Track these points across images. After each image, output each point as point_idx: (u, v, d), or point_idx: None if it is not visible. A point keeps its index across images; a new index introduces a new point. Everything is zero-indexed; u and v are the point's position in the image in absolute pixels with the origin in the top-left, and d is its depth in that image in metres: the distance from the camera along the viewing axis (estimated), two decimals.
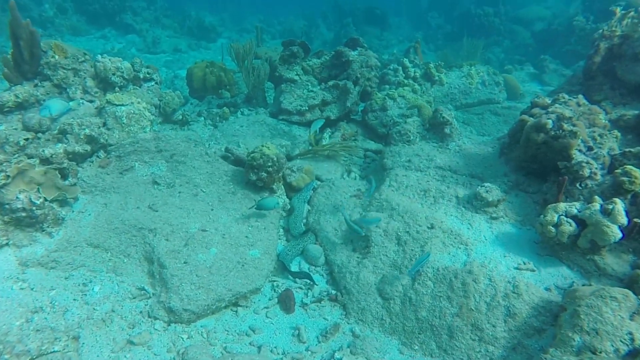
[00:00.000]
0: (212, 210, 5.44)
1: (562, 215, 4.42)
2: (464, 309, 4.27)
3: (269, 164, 5.59)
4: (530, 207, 5.33)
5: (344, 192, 6.50)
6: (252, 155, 5.67)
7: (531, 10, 18.76)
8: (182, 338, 4.16)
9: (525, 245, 4.84)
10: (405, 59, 10.12)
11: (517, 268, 4.48)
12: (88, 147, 5.62)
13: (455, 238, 4.99)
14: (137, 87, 7.64)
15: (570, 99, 5.41)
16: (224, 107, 8.70)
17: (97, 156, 5.83)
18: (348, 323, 4.62)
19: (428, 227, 5.15)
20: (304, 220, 6.08)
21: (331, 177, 7.04)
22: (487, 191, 5.32)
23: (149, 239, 4.86)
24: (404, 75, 9.68)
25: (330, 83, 8.51)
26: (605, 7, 13.81)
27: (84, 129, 5.61)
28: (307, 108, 8.26)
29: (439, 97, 9.45)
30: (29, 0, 15.86)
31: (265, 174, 5.65)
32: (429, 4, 22.58)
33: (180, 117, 8.25)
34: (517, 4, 19.77)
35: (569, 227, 4.30)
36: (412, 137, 7.01)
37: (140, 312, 4.32)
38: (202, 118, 8.69)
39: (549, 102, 5.66)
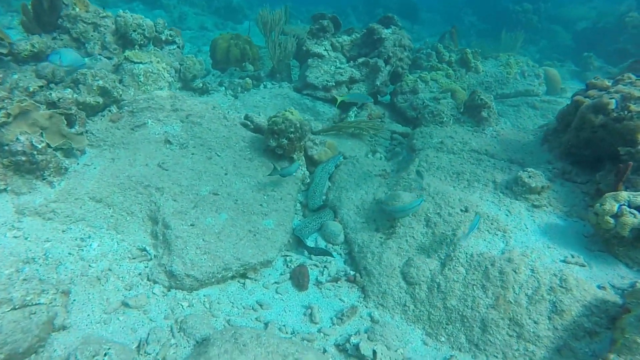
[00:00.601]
0: (225, 174, 4.99)
1: (624, 204, 3.82)
2: (500, 300, 3.72)
3: (291, 129, 5.12)
4: (577, 197, 4.73)
5: (369, 170, 5.98)
6: (273, 119, 5.21)
7: (574, 9, 17.84)
8: (182, 306, 3.72)
9: (572, 238, 4.25)
10: (439, 44, 9.52)
11: (564, 261, 3.90)
12: (100, 100, 5.23)
13: (492, 224, 4.43)
14: (158, 49, 7.26)
15: (638, 79, 4.77)
16: (247, 78, 8.26)
17: (109, 110, 5.43)
18: (366, 307, 4.12)
19: (461, 210, 4.60)
20: (324, 197, 5.59)
21: (355, 154, 6.53)
22: (530, 176, 4.73)
23: (155, 197, 4.44)
24: (437, 60, 9.07)
25: (360, 60, 7.99)
26: None
27: (98, 80, 5.22)
28: (333, 84, 7.75)
29: (473, 85, 8.83)
30: None
31: (287, 141, 5.18)
32: (465, 1, 21.76)
33: (201, 84, 7.84)
34: (558, 3, 18.82)
35: (633, 218, 3.70)
36: (445, 119, 6.44)
37: (139, 274, 3.90)
38: (223, 88, 8.26)
39: (610, 84, 5.03)
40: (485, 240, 4.27)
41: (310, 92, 7.87)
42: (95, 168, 4.62)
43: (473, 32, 18.60)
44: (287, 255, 4.65)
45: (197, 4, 18.14)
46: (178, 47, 7.63)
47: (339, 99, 6.26)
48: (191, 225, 4.20)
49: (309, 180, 5.72)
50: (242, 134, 5.72)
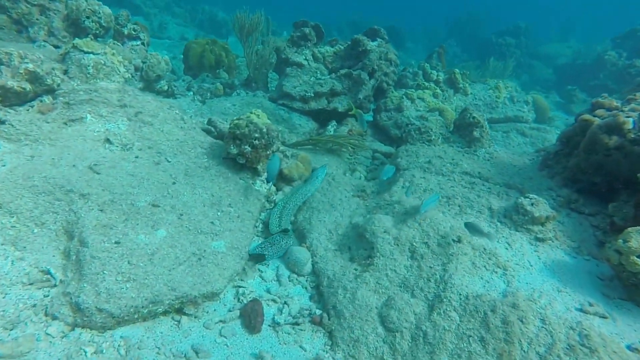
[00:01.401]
0: (173, 184, 4.07)
1: None
2: (505, 359, 2.87)
3: (256, 135, 4.27)
4: (587, 231, 3.99)
5: (345, 189, 5.16)
6: (235, 122, 4.36)
7: (552, 47, 17.94)
8: (86, 353, 2.72)
9: (585, 280, 3.48)
10: (426, 64, 8.96)
11: (580, 310, 3.11)
12: (28, 86, 4.28)
13: (489, 259, 3.63)
14: (119, 44, 6.37)
15: None
16: (217, 84, 7.43)
17: (41, 100, 4.48)
18: (333, 359, 3.20)
19: (453, 240, 3.79)
20: (292, 218, 4.71)
21: (331, 172, 5.70)
22: (532, 204, 3.99)
23: (77, 205, 3.47)
24: (424, 79, 8.48)
25: (343, 72, 7.28)
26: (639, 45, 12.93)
27: (27, 63, 4.29)
28: (312, 95, 6.99)
29: (460, 107, 8.22)
30: None
31: (250, 148, 4.32)
32: (448, 32, 21.82)
33: (166, 87, 6.97)
34: (537, 41, 18.95)
35: None
36: (433, 137, 5.73)
37: (34, 305, 2.88)
38: (191, 93, 7.41)
39: (618, 104, 4.41)
40: (482, 278, 3.45)
41: (286, 102, 7.09)
42: (3, 165, 3.64)
43: (457, 62, 18.44)
44: (239, 287, 3.70)
45: (180, 14, 17.47)
46: (142, 43, 6.77)
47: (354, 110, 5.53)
48: (116, 243, 3.23)
49: (275, 198, 4.84)
50: (200, 139, 4.84)
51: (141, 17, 15.81)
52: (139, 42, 6.68)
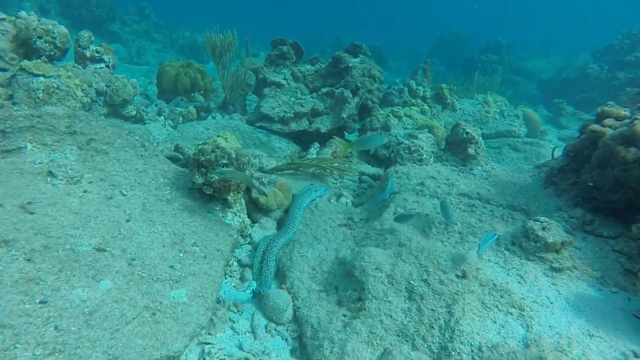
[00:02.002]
0: (127, 221, 3.43)
1: None
2: None
3: (224, 161, 3.67)
4: (608, 257, 3.44)
5: (331, 218, 4.57)
6: (200, 147, 3.77)
7: (534, 63, 17.91)
8: None
9: (619, 320, 2.90)
10: (411, 80, 8.57)
11: None
12: None
13: (501, 296, 3.04)
14: (79, 67, 5.82)
15: None
16: (191, 107, 6.88)
17: None
18: None
19: (457, 276, 3.20)
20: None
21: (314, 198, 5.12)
22: (543, 228, 3.44)
23: None
24: (410, 96, 8.06)
25: (324, 90, 6.81)
26: (619, 58, 12.83)
27: None
28: (292, 115, 6.47)
29: (449, 124, 7.78)
30: None
31: (217, 177, 3.72)
32: (431, 51, 21.80)
33: (134, 112, 6.39)
34: (518, 57, 18.95)
35: None
36: (425, 156, 5.20)
37: None
38: (162, 117, 6.83)
39: (627, 112, 3.95)
40: (496, 322, 2.85)
41: (264, 124, 6.55)
42: None
43: (440, 80, 18.28)
44: (205, 344, 3.04)
45: (160, 40, 17.08)
46: (107, 66, 6.22)
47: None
48: (41, 303, 2.56)
49: (250, 232, 4.22)
50: (163, 168, 4.23)
51: (119, 44, 15.38)
52: (102, 65, 6.13)
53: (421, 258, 3.42)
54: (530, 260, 3.40)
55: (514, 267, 3.36)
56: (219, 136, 3.82)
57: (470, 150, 5.08)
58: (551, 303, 2.99)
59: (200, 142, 3.86)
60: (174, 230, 3.55)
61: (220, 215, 3.96)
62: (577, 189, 3.98)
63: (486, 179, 4.88)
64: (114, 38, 15.38)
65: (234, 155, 3.70)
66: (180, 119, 6.70)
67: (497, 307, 2.97)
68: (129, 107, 6.30)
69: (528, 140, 7.84)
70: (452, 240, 3.81)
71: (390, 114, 7.01)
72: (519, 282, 3.18)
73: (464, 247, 3.69)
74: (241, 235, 4.14)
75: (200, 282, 3.24)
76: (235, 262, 4.01)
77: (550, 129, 10.07)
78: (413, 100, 7.62)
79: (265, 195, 4.38)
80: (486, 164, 5.09)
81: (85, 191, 3.58)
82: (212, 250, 3.58)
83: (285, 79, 7.12)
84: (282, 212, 4.67)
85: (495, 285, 3.10)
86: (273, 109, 6.57)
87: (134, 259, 3.10)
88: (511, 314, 2.91)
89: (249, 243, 4.25)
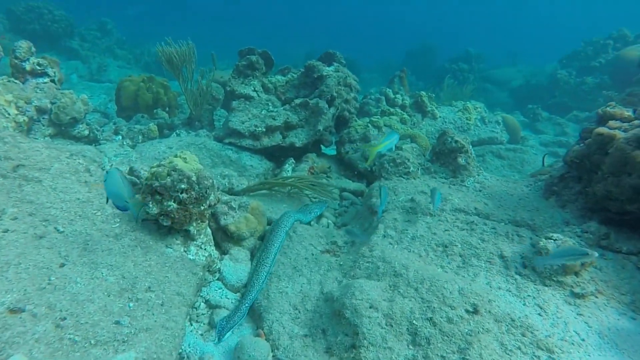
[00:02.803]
0: (62, 266, 2.74)
1: None
2: None
3: (182, 186, 3.04)
4: (635, 277, 2.99)
5: (312, 244, 3.98)
6: (154, 170, 3.13)
7: (502, 72, 18.05)
8: None
9: None
10: (388, 89, 8.16)
11: None
12: None
13: (523, 335, 2.52)
14: (15, 82, 5.06)
15: None
16: (151, 124, 6.19)
17: None
18: None
19: (468, 312, 2.67)
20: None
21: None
22: (558, 247, 2.97)
23: None
24: (388, 105, 7.63)
25: (298, 101, 6.27)
26: (585, 64, 12.95)
27: None
28: (263, 130, 5.89)
29: (431, 133, 7.39)
30: None
31: (175, 205, 3.08)
32: (403, 62, 21.76)
33: (86, 131, 5.66)
34: (487, 66, 19.11)
35: None
36: (412, 168, 4.71)
37: None
38: (119, 137, 6.11)
39: (630, 113, 3.57)
40: None
41: (234, 140, 5.94)
42: None
43: (413, 89, 18.18)
44: None
45: (123, 57, 16.23)
46: (52, 80, 5.48)
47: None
48: None
49: (218, 266, 3.58)
50: None
51: (78, 61, 14.46)
52: (46, 79, 5.39)
53: (422, 291, 2.87)
54: (546, 286, 2.91)
55: (529, 295, 2.86)
56: (176, 156, 3.19)
57: (461, 160, 4.63)
58: (582, 340, 2.50)
59: (154, 165, 3.22)
60: (123, 273, 2.88)
61: (182, 250, 3.30)
62: (584, 199, 3.56)
63: (480, 191, 4.42)
64: (72, 55, 14.46)
65: (194, 179, 3.08)
66: (140, 137, 6.00)
67: (519, 349, 2.44)
68: (80, 126, 5.56)
69: (511, 147, 7.53)
70: (453, 265, 3.29)
71: (368, 124, 6.54)
72: (540, 315, 2.68)
73: (467, 272, 3.17)
74: (208, 271, 3.49)
75: (155, 338, 2.57)
76: (202, 304, 3.37)
77: (529, 134, 9.88)
78: (392, 110, 7.19)
79: None
80: (478, 175, 4.65)
81: (5, 230, 2.86)
82: (171, 294, 2.92)
83: (255, 90, 6.55)
84: (255, 240, 4.05)
85: (513, 320, 2.58)
86: (243, 123, 5.98)
87: (65, 318, 2.41)
88: (538, 357, 2.38)
89: (218, 279, 3.61)
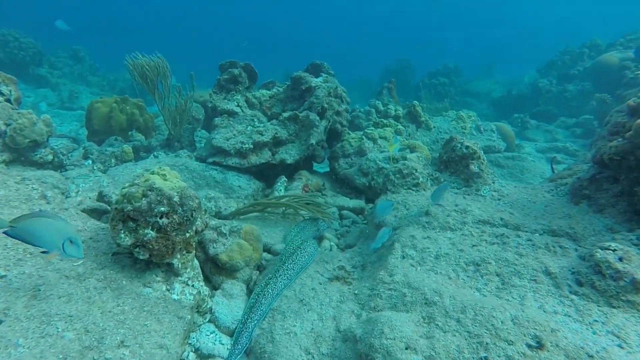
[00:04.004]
0: None
1: None
2: None
3: (162, 208, 2.43)
4: None
5: (317, 272, 3.39)
6: (126, 191, 2.50)
7: (480, 84, 18.13)
8: None
9: None
10: (377, 102, 7.77)
11: None
12: None
13: None
14: None
15: None
16: (125, 146, 5.55)
17: None
18: None
19: (530, 347, 2.11)
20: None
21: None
22: (621, 258, 2.47)
23: None
24: (380, 116, 7.21)
25: (286, 115, 5.75)
26: (564, 71, 12.99)
27: None
28: (251, 146, 5.32)
29: (426, 144, 6.97)
30: None
31: (154, 233, 2.45)
32: (381, 79, 21.73)
33: (50, 156, 4.97)
34: (465, 79, 19.20)
35: None
36: (421, 179, 4.21)
37: None
38: (89, 161, 5.43)
39: None
40: None
41: (218, 159, 5.33)
42: None
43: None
44: None
45: (96, 83, 15.53)
46: (8, 100, 4.81)
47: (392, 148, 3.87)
48: None
49: (209, 305, 2.93)
50: (76, 224, 2.89)
51: (48, 89, 13.68)
52: (0, 99, 4.71)
53: (466, 322, 2.31)
54: (614, 307, 2.39)
55: (596, 320, 2.33)
56: (153, 173, 2.58)
57: (474, 168, 4.16)
58: None
59: (127, 184, 2.60)
60: (87, 325, 2.21)
61: (164, 289, 2.65)
62: (626, 201, 3.10)
63: (499, 199, 3.94)
64: (41, 82, 13.69)
65: (176, 199, 2.47)
66: (113, 161, 5.34)
67: None
68: (42, 150, 4.87)
69: (509, 155, 7.18)
70: (491, 287, 2.74)
71: (363, 137, 6.05)
72: (620, 346, 2.14)
73: (511, 295, 2.63)
74: (198, 312, 2.84)
75: None
76: (191, 354, 2.70)
77: (521, 142, 9.61)
78: (385, 121, 6.75)
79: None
80: (493, 182, 4.17)
81: None
82: (151, 348, 2.26)
83: (238, 105, 6.00)
84: (251, 270, 3.42)
85: (591, 357, 2.03)
86: (227, 140, 5.40)
87: None
88: None
89: (210, 321, 2.95)
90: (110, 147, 6.17)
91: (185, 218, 2.51)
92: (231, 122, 5.79)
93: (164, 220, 2.42)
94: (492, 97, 15.58)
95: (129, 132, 6.81)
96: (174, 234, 2.48)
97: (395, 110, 7.03)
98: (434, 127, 7.17)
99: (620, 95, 8.41)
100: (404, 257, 3.17)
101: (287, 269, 3.15)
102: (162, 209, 2.40)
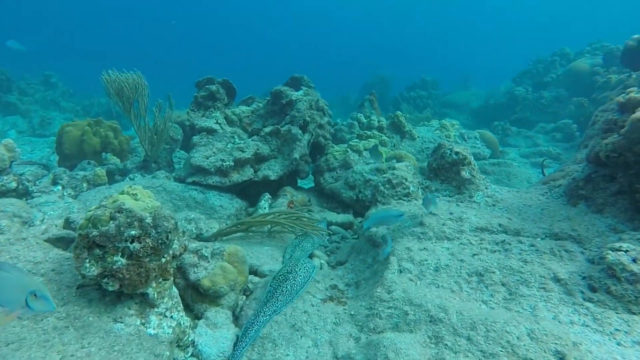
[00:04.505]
0: None
1: None
2: None
3: (133, 232, 2.15)
4: None
5: (308, 292, 3.13)
6: (92, 214, 2.22)
7: (458, 96, 18.36)
8: None
9: None
10: (359, 114, 7.65)
11: None
12: None
13: None
14: None
15: None
16: (97, 169, 5.22)
17: None
18: None
19: None
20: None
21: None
22: (634, 259, 2.30)
23: None
24: (363, 128, 7.07)
25: (267, 130, 5.54)
26: (538, 79, 13.25)
27: None
28: (232, 164, 5.06)
29: (412, 154, 6.83)
30: None
31: (124, 260, 2.16)
32: (360, 95, 21.84)
33: (13, 183, 4.62)
34: (443, 91, 19.46)
35: None
36: (412, 188, 4.02)
37: None
38: (59, 187, 5.07)
39: None
40: None
41: (198, 179, 5.05)
42: None
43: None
44: None
45: (70, 109, 15.06)
46: None
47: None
48: None
49: (192, 338, 2.62)
50: (35, 257, 2.57)
51: (18, 116, 13.15)
52: None
53: (478, 340, 2.08)
54: (634, 314, 2.20)
55: (618, 330, 2.13)
56: (122, 192, 2.31)
57: (465, 174, 4.00)
58: None
59: (93, 207, 2.31)
60: None
61: (138, 323, 2.34)
62: (627, 199, 2.97)
63: (494, 205, 3.78)
64: (10, 110, 13.16)
65: (149, 221, 2.19)
66: (85, 185, 5.00)
67: None
68: (4, 177, 4.51)
69: (495, 161, 7.12)
70: (498, 298, 2.53)
71: (348, 150, 5.88)
72: None
73: (521, 306, 2.42)
74: (178, 346, 2.53)
75: None
76: None
77: (503, 148, 9.63)
78: (369, 133, 6.61)
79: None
80: (486, 188, 4.02)
81: None
82: None
83: (217, 123, 5.76)
84: (237, 295, 3.13)
85: None
86: (207, 158, 5.13)
87: None
88: None
89: (193, 355, 2.64)
90: (83, 171, 5.82)
91: (159, 241, 2.23)
92: (210, 140, 5.53)
93: (136, 245, 2.14)
94: (471, 107, 15.75)
95: (104, 155, 6.46)
96: (148, 260, 2.20)
97: (379, 122, 6.91)
98: (418, 137, 7.06)
99: (597, 98, 8.54)
100: (401, 272, 2.94)
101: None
102: (133, 232, 2.12)
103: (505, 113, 12.75)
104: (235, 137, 5.74)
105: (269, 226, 4.36)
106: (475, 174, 4.06)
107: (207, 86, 5.92)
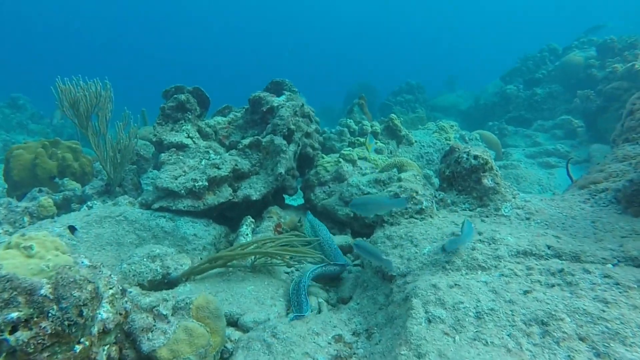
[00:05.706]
0: None
1: None
2: None
3: (14, 314, 1.31)
4: None
5: (307, 353, 2.30)
6: None
7: (445, 99, 17.86)
8: None
9: None
10: (349, 120, 6.91)
11: None
12: None
13: None
14: None
15: None
16: (43, 199, 4.34)
17: None
18: None
19: None
20: None
21: (264, 314, 2.86)
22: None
23: None
24: (355, 136, 6.32)
25: (246, 141, 4.74)
26: (529, 76, 12.77)
27: None
28: (205, 184, 4.23)
29: (411, 160, 6.09)
30: None
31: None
32: (344, 103, 21.24)
33: None
34: (429, 95, 18.97)
35: None
36: (425, 203, 3.24)
37: None
38: None
39: None
40: None
41: (167, 203, 4.21)
42: None
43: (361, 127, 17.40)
44: None
45: (39, 131, 14.05)
46: None
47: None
48: None
49: None
50: None
51: None
52: None
53: None
54: None
55: None
56: (9, 246, 1.47)
57: (487, 182, 3.25)
58: None
59: None
60: None
61: None
62: None
63: (528, 219, 3.02)
64: None
65: (46, 292, 1.36)
66: (26, 219, 4.11)
67: None
68: None
69: (501, 163, 6.45)
70: None
71: (340, 160, 5.11)
72: None
73: None
74: None
75: None
76: None
77: (505, 150, 8.98)
78: (362, 139, 5.86)
79: None
80: (514, 197, 3.27)
81: None
82: None
83: (189, 137, 4.95)
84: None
85: None
86: (176, 179, 4.30)
87: None
88: None
89: None
90: (34, 201, 4.91)
91: (66, 322, 1.39)
92: (181, 157, 4.71)
93: (21, 335, 1.30)
94: (459, 109, 15.21)
95: (61, 181, 5.57)
96: (46, 355, 1.36)
97: (372, 127, 6.17)
98: (416, 141, 6.33)
99: (603, 90, 7.98)
100: (430, 321, 2.14)
101: None
102: (14, 314, 1.28)
103: (497, 113, 12.20)
104: (211, 152, 4.92)
105: (253, 258, 3.54)
106: (500, 181, 3.31)
107: (175, 96, 5.11)
